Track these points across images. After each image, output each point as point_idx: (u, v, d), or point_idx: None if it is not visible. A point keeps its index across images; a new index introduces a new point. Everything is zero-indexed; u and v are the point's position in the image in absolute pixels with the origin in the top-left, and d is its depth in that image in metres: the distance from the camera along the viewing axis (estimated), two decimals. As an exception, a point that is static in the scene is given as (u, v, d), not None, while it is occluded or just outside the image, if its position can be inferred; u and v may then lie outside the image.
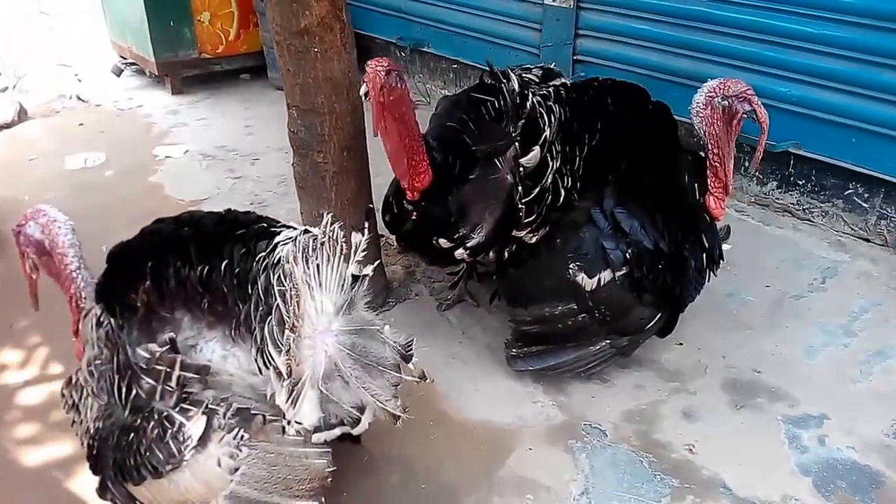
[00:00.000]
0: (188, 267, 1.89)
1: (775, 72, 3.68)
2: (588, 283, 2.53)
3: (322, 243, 1.78)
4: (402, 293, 3.37)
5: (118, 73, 6.24)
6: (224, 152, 4.93)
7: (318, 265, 1.77)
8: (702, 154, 2.62)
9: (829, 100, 3.54)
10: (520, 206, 2.52)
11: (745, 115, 2.45)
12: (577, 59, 4.53)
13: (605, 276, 2.52)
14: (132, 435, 1.79)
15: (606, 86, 2.70)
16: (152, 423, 1.77)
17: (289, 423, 1.81)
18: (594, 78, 2.72)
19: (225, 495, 1.81)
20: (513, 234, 2.61)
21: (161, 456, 1.76)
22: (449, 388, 2.77)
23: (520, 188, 2.51)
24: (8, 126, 5.33)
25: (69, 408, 1.99)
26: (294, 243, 1.77)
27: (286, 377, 1.75)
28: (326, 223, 1.82)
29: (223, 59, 5.93)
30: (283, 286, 1.72)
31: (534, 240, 2.60)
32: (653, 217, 2.55)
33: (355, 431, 1.91)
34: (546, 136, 2.44)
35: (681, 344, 2.97)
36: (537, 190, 2.50)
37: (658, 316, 2.66)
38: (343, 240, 1.84)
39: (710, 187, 2.58)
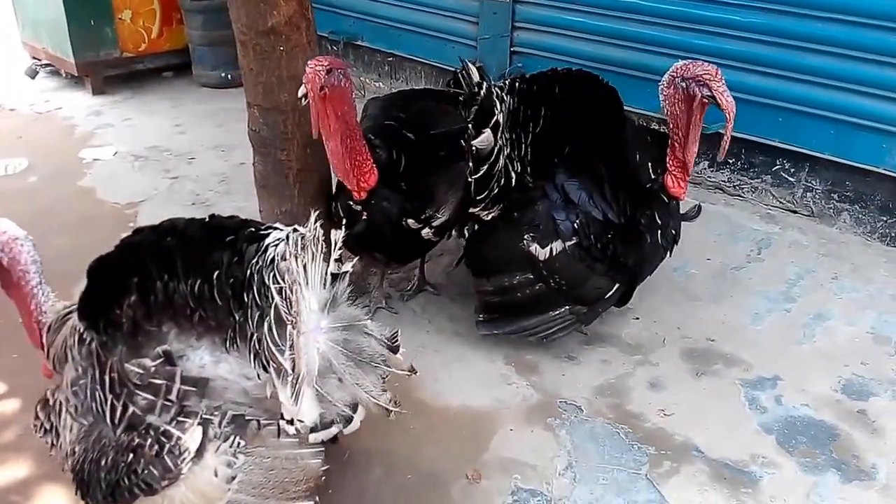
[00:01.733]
0: (176, 280, 1.81)
1: (705, 58, 3.78)
2: (541, 253, 2.66)
3: (307, 242, 1.77)
4: (361, 287, 3.36)
5: (33, 74, 5.89)
6: (157, 152, 4.76)
7: (304, 264, 1.76)
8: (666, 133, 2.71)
9: (756, 83, 3.77)
10: (470, 180, 2.68)
11: (704, 100, 2.47)
12: (515, 50, 4.63)
13: (557, 246, 2.65)
14: (130, 455, 1.73)
15: (557, 75, 2.79)
16: (150, 440, 1.72)
17: (290, 422, 1.79)
18: (552, 69, 2.80)
19: None
20: (469, 211, 2.80)
21: (157, 472, 1.72)
22: (423, 376, 2.79)
23: (470, 165, 2.65)
24: (-87, 136, 4.95)
25: (45, 432, 1.90)
26: (286, 242, 1.76)
27: (290, 373, 1.73)
28: (313, 221, 1.81)
29: (146, 58, 5.74)
30: (281, 283, 1.70)
31: (489, 217, 2.77)
32: (601, 190, 2.67)
33: (347, 431, 1.90)
34: (498, 120, 2.58)
35: (637, 318, 3.11)
36: (485, 168, 2.65)
37: (616, 287, 2.76)
38: (323, 237, 1.83)
39: (668, 166, 2.67)
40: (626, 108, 2.84)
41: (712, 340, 2.98)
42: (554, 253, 2.66)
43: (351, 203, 2.77)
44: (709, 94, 2.44)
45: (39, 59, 5.95)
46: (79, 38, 5.34)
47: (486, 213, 2.77)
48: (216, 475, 1.75)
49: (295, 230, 1.81)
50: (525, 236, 2.68)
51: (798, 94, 3.67)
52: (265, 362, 1.76)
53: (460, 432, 2.55)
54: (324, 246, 1.83)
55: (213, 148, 4.79)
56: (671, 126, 2.62)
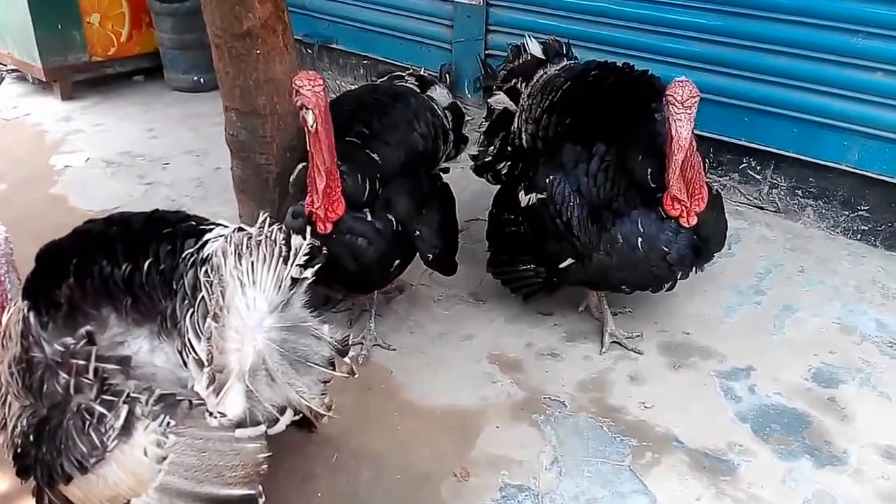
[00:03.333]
0: (112, 265, 1.89)
1: (673, 60, 3.99)
2: (523, 200, 2.88)
3: (258, 242, 1.81)
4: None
5: (-1, 80, 5.80)
6: (130, 158, 4.71)
7: (252, 262, 1.80)
8: None
9: (723, 84, 3.88)
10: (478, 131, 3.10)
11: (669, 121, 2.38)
12: (489, 53, 4.69)
13: (534, 196, 2.83)
14: (49, 428, 1.77)
15: (612, 66, 2.98)
16: (69, 415, 1.75)
17: (211, 414, 1.81)
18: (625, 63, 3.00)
19: (155, 487, 1.78)
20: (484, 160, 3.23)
21: (84, 449, 1.73)
22: (408, 377, 2.84)
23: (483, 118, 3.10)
24: None
25: None
26: (225, 240, 1.81)
27: (206, 364, 1.76)
28: (263, 222, 1.87)
29: (115, 62, 5.66)
30: (209, 277, 1.76)
31: (503, 172, 3.15)
32: (588, 165, 2.69)
33: (272, 431, 1.91)
34: (517, 88, 2.99)
35: (616, 314, 3.18)
36: (488, 124, 3.19)
37: (567, 261, 2.78)
38: (283, 241, 1.87)
39: (666, 183, 2.55)
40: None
41: (688, 334, 3.08)
42: (531, 202, 2.84)
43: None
44: (667, 115, 2.38)
45: (5, 65, 5.84)
46: (46, 43, 5.25)
47: (497, 164, 3.15)
48: (146, 454, 1.75)
49: (240, 229, 1.87)
50: (521, 184, 2.93)
51: (762, 94, 3.79)
52: (187, 351, 1.79)
53: (447, 431, 2.60)
54: (284, 249, 1.86)
55: (187, 153, 4.76)
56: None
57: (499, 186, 3.22)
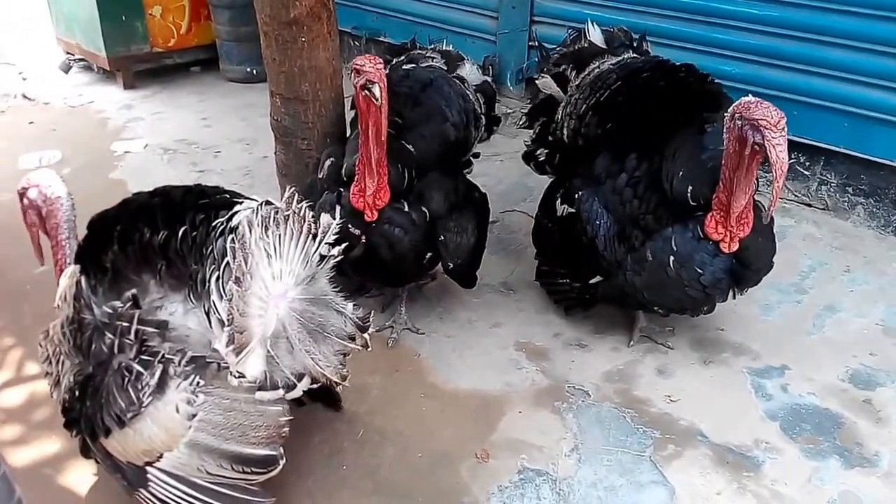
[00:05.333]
0: (151, 232, 2.01)
1: (721, 52, 3.92)
2: (558, 209, 2.89)
3: (286, 217, 1.89)
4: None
5: (66, 69, 6.07)
6: (184, 146, 4.89)
7: (279, 235, 1.88)
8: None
9: (772, 76, 3.80)
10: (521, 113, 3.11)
11: (755, 146, 2.18)
12: (533, 45, 4.68)
13: (567, 208, 2.83)
14: (92, 384, 1.90)
15: (673, 66, 2.85)
16: (110, 373, 1.87)
17: (231, 373, 1.90)
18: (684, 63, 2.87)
19: (185, 442, 1.88)
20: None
21: (122, 404, 1.85)
22: (436, 361, 2.89)
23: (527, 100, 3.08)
24: (-47, 127, 5.16)
25: (44, 360, 2.08)
26: (252, 211, 1.89)
27: (226, 324, 1.85)
28: (289, 197, 1.95)
29: (175, 53, 5.88)
30: (234, 244, 1.84)
31: (540, 159, 3.18)
32: (615, 181, 2.63)
33: (289, 396, 2.00)
34: (566, 75, 3.00)
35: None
36: (531, 105, 3.24)
37: (595, 277, 2.75)
38: (311, 219, 1.96)
39: (712, 204, 2.44)
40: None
41: (722, 330, 3.03)
42: (564, 213, 2.85)
43: (350, 226, 2.52)
44: (760, 141, 2.16)
45: (73, 55, 6.12)
46: (111, 34, 5.49)
47: (535, 151, 3.19)
48: (177, 411, 1.86)
49: (268, 203, 1.94)
50: (559, 192, 2.92)
51: (814, 87, 3.69)
52: (210, 311, 1.89)
53: (470, 414, 2.63)
54: (312, 226, 1.95)
55: (237, 141, 4.91)
56: (722, 163, 2.35)
57: (545, 188, 3.13)
